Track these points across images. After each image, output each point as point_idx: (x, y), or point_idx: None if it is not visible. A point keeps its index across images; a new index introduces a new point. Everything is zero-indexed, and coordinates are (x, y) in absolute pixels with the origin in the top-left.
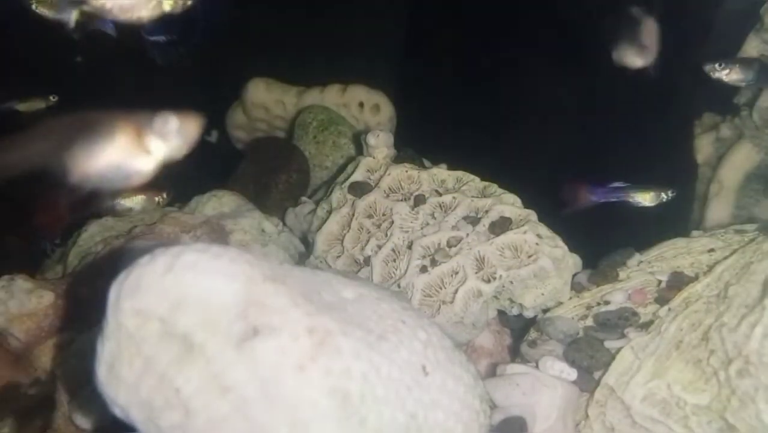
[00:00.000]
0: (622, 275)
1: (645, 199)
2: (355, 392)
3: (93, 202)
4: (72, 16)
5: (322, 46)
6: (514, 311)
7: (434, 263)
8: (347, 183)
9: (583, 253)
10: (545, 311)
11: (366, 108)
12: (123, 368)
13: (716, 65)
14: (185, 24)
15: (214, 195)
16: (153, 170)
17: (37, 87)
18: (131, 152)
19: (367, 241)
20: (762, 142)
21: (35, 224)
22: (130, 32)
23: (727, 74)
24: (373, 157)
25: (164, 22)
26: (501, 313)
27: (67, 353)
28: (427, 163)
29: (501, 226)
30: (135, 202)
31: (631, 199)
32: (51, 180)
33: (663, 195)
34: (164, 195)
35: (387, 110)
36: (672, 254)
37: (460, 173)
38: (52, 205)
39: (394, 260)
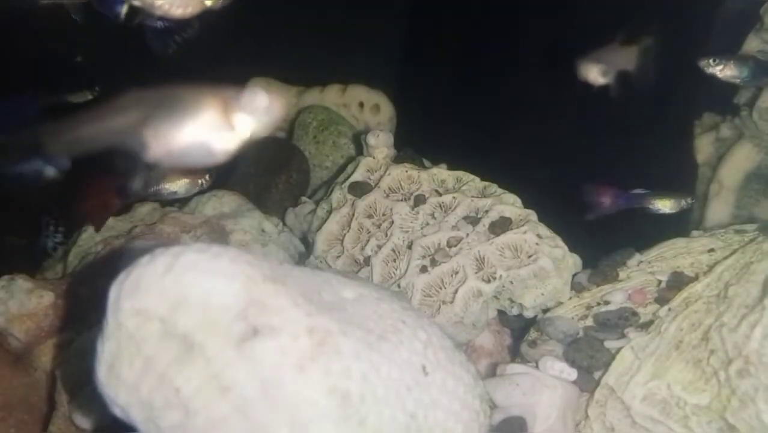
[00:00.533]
0: (622, 275)
1: (666, 205)
2: (355, 392)
3: (142, 186)
4: (122, 10)
5: (322, 46)
6: (514, 311)
7: (434, 263)
8: (347, 183)
9: (583, 253)
10: (545, 311)
11: (366, 108)
12: (123, 368)
13: (710, 61)
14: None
15: (214, 195)
16: (237, 148)
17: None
18: (217, 128)
19: (367, 241)
20: (762, 142)
21: (81, 208)
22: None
23: (721, 70)
24: (373, 157)
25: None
26: (501, 313)
27: (67, 353)
28: (427, 163)
29: (501, 226)
30: (179, 185)
31: (651, 206)
32: (129, 156)
33: (683, 202)
34: (207, 178)
35: (387, 110)
36: (672, 254)
37: (460, 173)
38: (100, 189)
39: (394, 260)
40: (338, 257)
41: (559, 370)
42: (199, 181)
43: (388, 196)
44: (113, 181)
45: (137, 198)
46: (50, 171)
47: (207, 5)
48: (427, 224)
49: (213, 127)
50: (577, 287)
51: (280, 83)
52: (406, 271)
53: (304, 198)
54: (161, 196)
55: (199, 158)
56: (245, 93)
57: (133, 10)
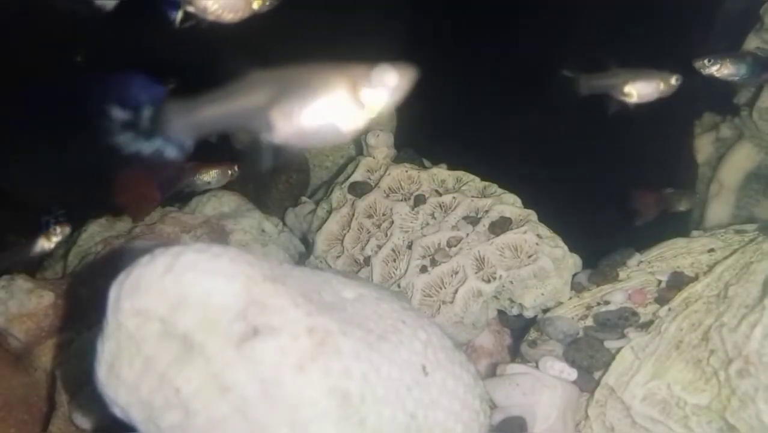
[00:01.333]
0: (622, 275)
1: (688, 203)
2: (355, 392)
3: (181, 178)
4: (177, 16)
5: (322, 46)
6: (514, 311)
7: (434, 263)
8: (347, 183)
9: (583, 253)
10: (545, 311)
11: None
12: (123, 368)
13: (705, 62)
14: None
15: (214, 195)
16: (364, 125)
17: None
18: (346, 106)
19: (367, 241)
20: (762, 142)
21: (123, 200)
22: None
23: (717, 70)
24: (373, 157)
25: None
26: (501, 313)
27: (67, 353)
28: (427, 163)
29: (501, 226)
30: (211, 176)
31: (679, 204)
32: (255, 138)
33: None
34: (235, 168)
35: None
36: (672, 254)
37: (460, 173)
38: (141, 182)
39: (394, 260)
40: (338, 257)
41: (559, 370)
42: (229, 171)
43: (388, 196)
44: (154, 174)
45: (176, 190)
46: (171, 152)
47: (255, 9)
48: (427, 224)
49: (342, 106)
50: (577, 287)
51: None
52: (406, 271)
53: (304, 198)
54: (196, 187)
55: (328, 137)
56: (374, 70)
57: (187, 15)
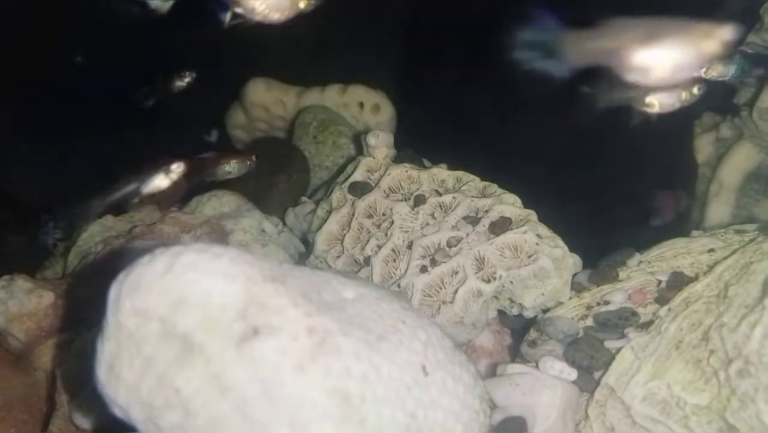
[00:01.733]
0: (622, 275)
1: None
2: (355, 392)
3: (205, 168)
4: (226, 17)
5: (323, 46)
6: (514, 311)
7: (434, 263)
8: (347, 183)
9: (583, 253)
10: (545, 311)
11: (366, 108)
12: (123, 368)
13: None
14: None
15: (214, 195)
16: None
17: None
18: (695, 56)
19: (367, 241)
20: (762, 142)
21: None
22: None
23: (705, 72)
24: (373, 157)
25: None
26: (501, 313)
27: (67, 353)
28: (427, 163)
29: (501, 226)
30: (231, 166)
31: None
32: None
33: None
34: (253, 158)
35: (387, 110)
36: (672, 254)
37: (460, 173)
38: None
39: (394, 260)
40: (338, 257)
41: (559, 370)
42: (248, 162)
43: (388, 196)
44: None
45: (200, 179)
46: (557, 70)
47: (300, 8)
48: (427, 224)
49: (693, 54)
50: (577, 287)
51: (281, 83)
52: (406, 271)
53: (304, 198)
54: (218, 177)
55: (673, 79)
56: (717, 29)
57: (235, 15)
